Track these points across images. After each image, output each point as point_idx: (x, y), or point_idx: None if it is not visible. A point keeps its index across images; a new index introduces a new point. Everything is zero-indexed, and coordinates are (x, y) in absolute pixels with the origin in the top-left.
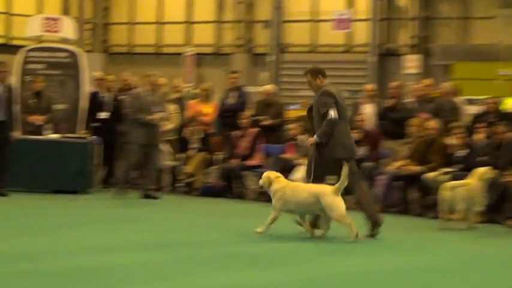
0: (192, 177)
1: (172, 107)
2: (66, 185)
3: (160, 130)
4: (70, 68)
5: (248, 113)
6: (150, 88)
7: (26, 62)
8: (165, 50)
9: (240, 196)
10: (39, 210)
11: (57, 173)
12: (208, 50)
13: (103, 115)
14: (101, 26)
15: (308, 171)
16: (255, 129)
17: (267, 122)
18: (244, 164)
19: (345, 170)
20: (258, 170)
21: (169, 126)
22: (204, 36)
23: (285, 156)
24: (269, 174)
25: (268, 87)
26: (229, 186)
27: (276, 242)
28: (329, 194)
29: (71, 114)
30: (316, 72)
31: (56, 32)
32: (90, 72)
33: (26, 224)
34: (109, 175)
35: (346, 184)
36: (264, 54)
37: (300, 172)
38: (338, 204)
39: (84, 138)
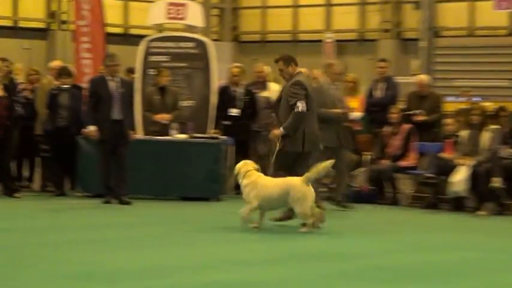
0: None
1: None
2: (195, 191)
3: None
4: (197, 59)
5: (399, 106)
6: (333, 80)
7: (148, 54)
8: (302, 37)
9: (392, 202)
10: (165, 219)
11: (185, 178)
12: (351, 36)
13: (234, 112)
14: (230, 11)
15: (271, 164)
16: (408, 126)
17: (422, 117)
18: (396, 165)
19: (326, 163)
20: (412, 171)
21: None
22: (346, 20)
23: (443, 155)
24: (241, 166)
25: (422, 77)
26: (380, 191)
27: (423, 253)
28: (299, 186)
29: (200, 111)
30: (289, 60)
31: (181, 19)
32: (219, 64)
33: (150, 235)
34: None
35: (318, 176)
36: (414, 40)
37: (461, 173)
38: (304, 199)
39: (215, 138)
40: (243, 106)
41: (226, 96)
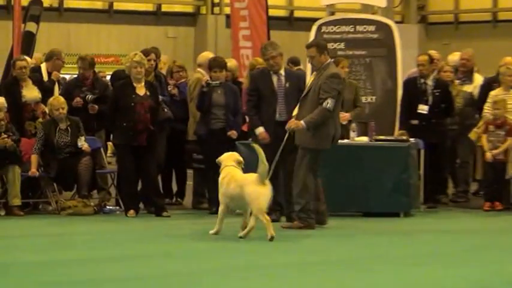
0: None
1: None
2: (380, 205)
3: None
4: (379, 46)
5: None
6: None
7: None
8: (503, 16)
9: None
10: (350, 240)
11: (368, 190)
12: None
13: (423, 109)
14: None
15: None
16: None
17: None
18: None
19: (260, 154)
20: None
21: None
22: None
23: None
24: (222, 159)
25: None
26: None
27: None
28: (252, 183)
29: (383, 108)
30: (323, 48)
31: None
32: (404, 51)
33: (336, 259)
34: (436, 190)
35: (266, 168)
36: None
37: None
38: (259, 195)
39: (403, 141)
40: (434, 101)
41: (413, 90)
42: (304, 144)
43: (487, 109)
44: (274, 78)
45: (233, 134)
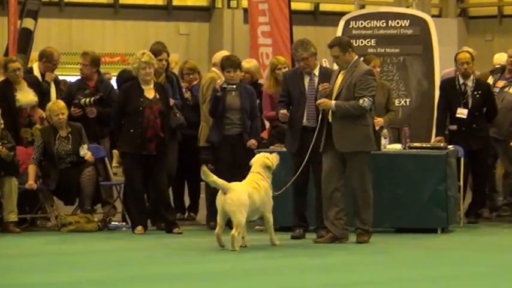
0: None
1: None
2: (415, 220)
3: None
4: (414, 42)
5: None
6: None
7: (347, 37)
8: None
9: None
10: (381, 258)
11: (401, 202)
12: None
13: (462, 113)
14: None
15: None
16: None
17: None
18: None
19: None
20: None
21: None
22: None
23: None
24: (252, 161)
25: None
26: None
27: None
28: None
29: (419, 112)
30: (346, 45)
31: None
32: (442, 48)
33: (366, 279)
34: (478, 203)
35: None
36: None
37: None
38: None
39: (440, 148)
40: (475, 104)
41: (451, 92)
42: (350, 149)
43: None
44: (306, 80)
45: (253, 144)
